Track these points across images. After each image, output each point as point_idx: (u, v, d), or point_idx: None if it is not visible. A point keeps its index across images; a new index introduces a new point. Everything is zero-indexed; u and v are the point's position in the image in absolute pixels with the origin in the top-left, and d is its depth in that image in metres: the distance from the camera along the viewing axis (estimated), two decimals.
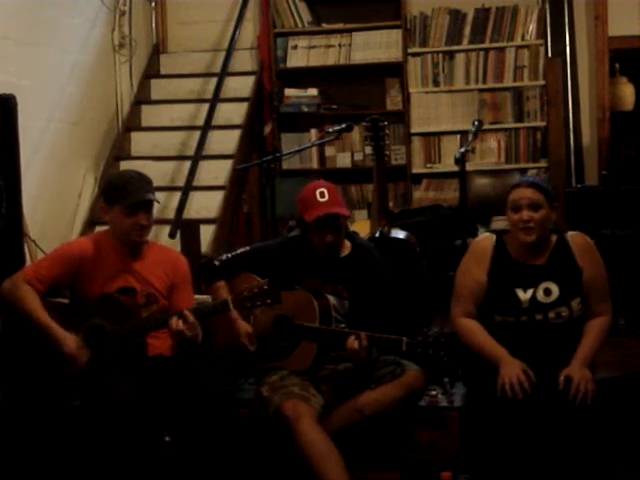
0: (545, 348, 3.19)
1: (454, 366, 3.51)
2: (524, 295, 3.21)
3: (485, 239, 3.35)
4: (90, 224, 5.75)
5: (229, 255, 3.57)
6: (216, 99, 6.23)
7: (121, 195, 3.31)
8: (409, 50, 6.42)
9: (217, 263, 3.56)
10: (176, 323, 3.18)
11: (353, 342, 3.22)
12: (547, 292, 3.21)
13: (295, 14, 6.65)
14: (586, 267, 3.24)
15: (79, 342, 3.23)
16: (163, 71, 6.92)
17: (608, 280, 3.29)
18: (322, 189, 3.38)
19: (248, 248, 3.63)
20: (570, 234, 3.31)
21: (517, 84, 6.34)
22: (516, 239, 3.25)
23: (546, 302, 3.20)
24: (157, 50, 6.93)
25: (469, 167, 4.56)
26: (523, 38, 6.31)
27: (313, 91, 6.61)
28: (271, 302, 3.15)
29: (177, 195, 5.64)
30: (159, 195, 3.56)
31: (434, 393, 3.57)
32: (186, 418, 3.20)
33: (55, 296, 3.39)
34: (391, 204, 5.89)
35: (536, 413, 3.05)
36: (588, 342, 3.19)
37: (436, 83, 6.43)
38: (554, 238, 3.29)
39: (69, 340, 3.22)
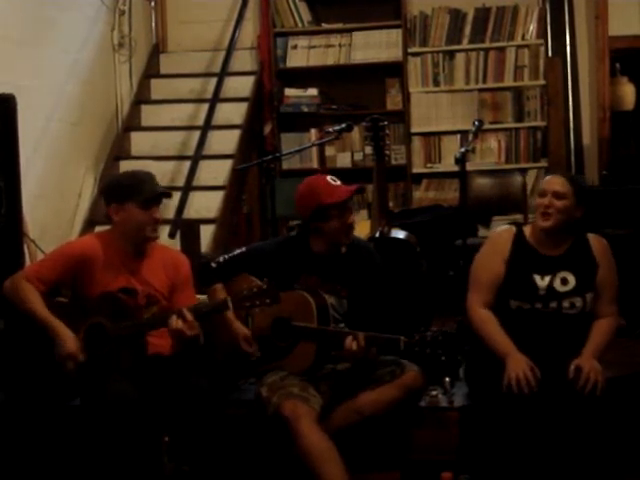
0: (555, 338, 3.22)
1: (452, 365, 3.52)
2: (542, 282, 3.25)
3: (506, 230, 3.39)
4: (90, 224, 5.75)
5: (226, 257, 3.54)
6: (216, 99, 6.23)
7: (135, 191, 3.31)
8: (409, 50, 6.42)
9: (214, 265, 3.54)
10: (175, 322, 3.16)
11: (351, 343, 3.21)
12: (564, 281, 3.26)
13: (295, 14, 6.65)
14: (602, 265, 3.30)
15: (80, 343, 3.22)
16: (163, 71, 6.92)
17: (618, 285, 3.35)
18: (330, 176, 3.42)
19: (244, 249, 3.60)
20: (590, 235, 3.38)
21: (517, 84, 6.34)
22: (536, 229, 3.30)
23: (562, 291, 3.25)
24: (157, 50, 6.92)
25: (469, 167, 4.56)
26: (523, 38, 6.32)
27: (313, 91, 6.61)
28: (270, 302, 3.14)
29: (177, 195, 5.63)
30: None
31: (434, 393, 3.57)
32: (175, 419, 3.20)
33: (55, 295, 3.39)
34: (391, 204, 5.88)
35: (542, 409, 3.06)
36: (597, 337, 3.25)
37: (436, 83, 6.43)
38: (573, 235, 3.33)
39: (70, 340, 3.21)
